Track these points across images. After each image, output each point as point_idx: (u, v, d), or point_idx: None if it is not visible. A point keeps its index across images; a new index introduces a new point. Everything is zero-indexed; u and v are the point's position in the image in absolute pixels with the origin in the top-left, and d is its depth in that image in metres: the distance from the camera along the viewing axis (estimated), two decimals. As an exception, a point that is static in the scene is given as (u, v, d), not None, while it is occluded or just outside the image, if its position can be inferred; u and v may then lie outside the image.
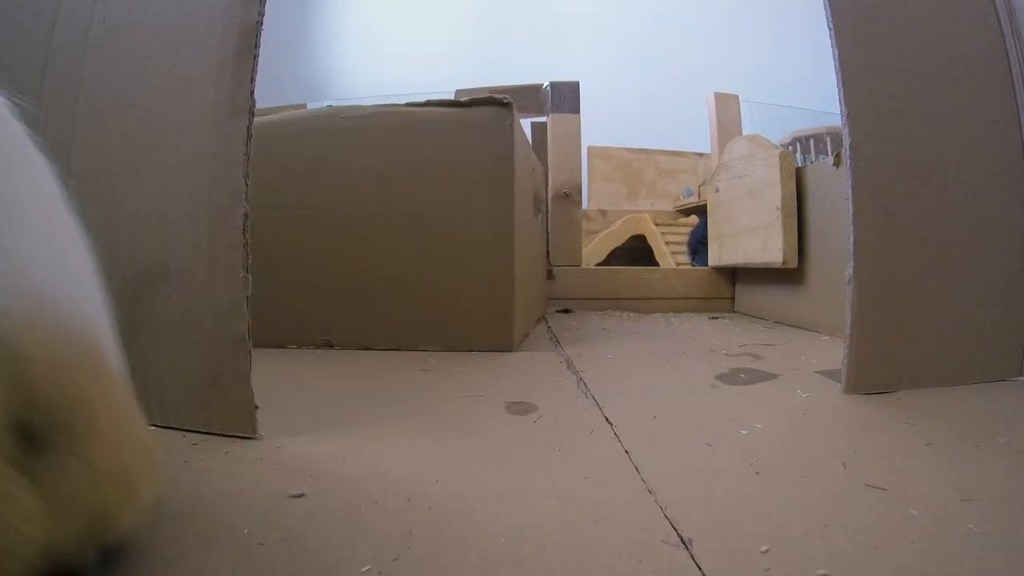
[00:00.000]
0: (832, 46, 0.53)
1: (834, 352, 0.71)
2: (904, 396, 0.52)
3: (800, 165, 1.11)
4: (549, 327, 1.04)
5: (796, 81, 2.61)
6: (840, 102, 0.53)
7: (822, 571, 0.25)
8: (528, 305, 0.96)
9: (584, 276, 1.36)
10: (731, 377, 0.63)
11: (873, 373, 0.53)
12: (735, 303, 1.34)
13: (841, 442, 0.41)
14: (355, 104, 0.86)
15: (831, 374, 0.62)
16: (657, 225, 1.90)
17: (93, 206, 0.49)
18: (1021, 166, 0.58)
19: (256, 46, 0.47)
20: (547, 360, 0.74)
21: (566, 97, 1.38)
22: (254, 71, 0.47)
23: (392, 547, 0.28)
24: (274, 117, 0.86)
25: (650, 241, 1.89)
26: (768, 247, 1.05)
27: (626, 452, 0.40)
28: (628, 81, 2.85)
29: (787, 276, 1.05)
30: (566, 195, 1.36)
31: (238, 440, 0.42)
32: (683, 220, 1.98)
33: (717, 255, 1.31)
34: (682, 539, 0.28)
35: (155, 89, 0.48)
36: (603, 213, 2.00)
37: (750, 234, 1.14)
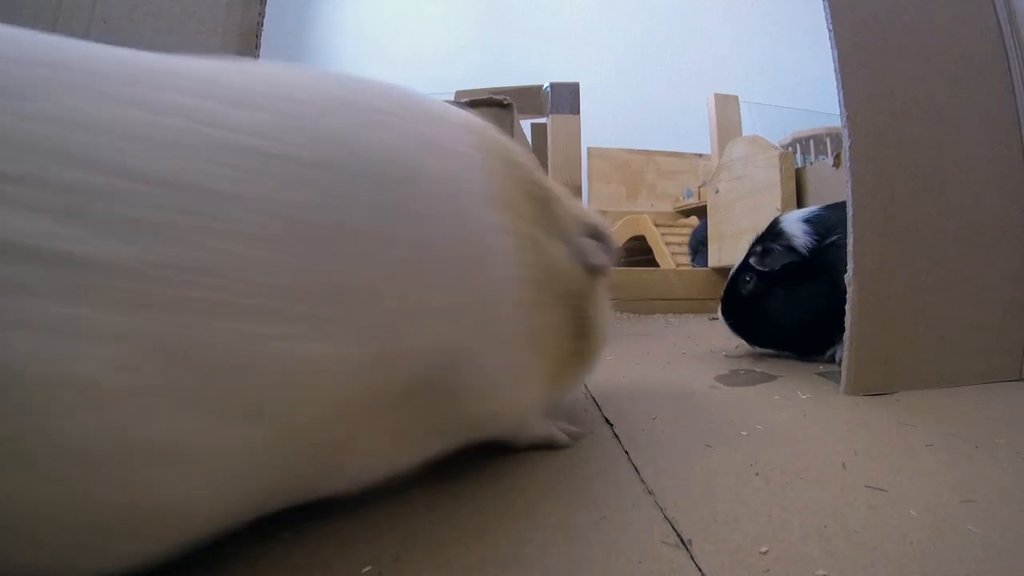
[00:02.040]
0: (832, 47, 0.53)
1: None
2: (904, 397, 0.52)
3: (800, 166, 1.12)
4: (549, 328, 1.04)
5: (796, 82, 2.61)
6: (840, 103, 0.53)
7: (821, 572, 0.25)
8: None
9: (584, 277, 1.36)
10: (731, 378, 0.63)
11: (873, 374, 0.53)
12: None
13: (841, 443, 0.41)
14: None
15: (831, 375, 0.62)
16: (657, 226, 1.90)
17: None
18: (1021, 166, 0.58)
19: (256, 47, 0.47)
20: (547, 361, 0.74)
21: (566, 98, 1.38)
22: (254, 72, 0.47)
23: (392, 547, 0.28)
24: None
25: (650, 242, 1.89)
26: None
27: (626, 452, 0.40)
28: (628, 82, 2.85)
29: (787, 277, 1.05)
30: (566, 196, 1.36)
31: (238, 440, 0.42)
32: (683, 221, 1.98)
33: (717, 256, 1.31)
34: (682, 540, 0.28)
35: (155, 90, 0.48)
36: (603, 214, 2.00)
37: (750, 235, 1.14)
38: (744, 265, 0.73)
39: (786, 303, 0.69)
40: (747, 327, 0.74)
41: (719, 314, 0.77)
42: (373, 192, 0.22)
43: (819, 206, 0.73)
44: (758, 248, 0.71)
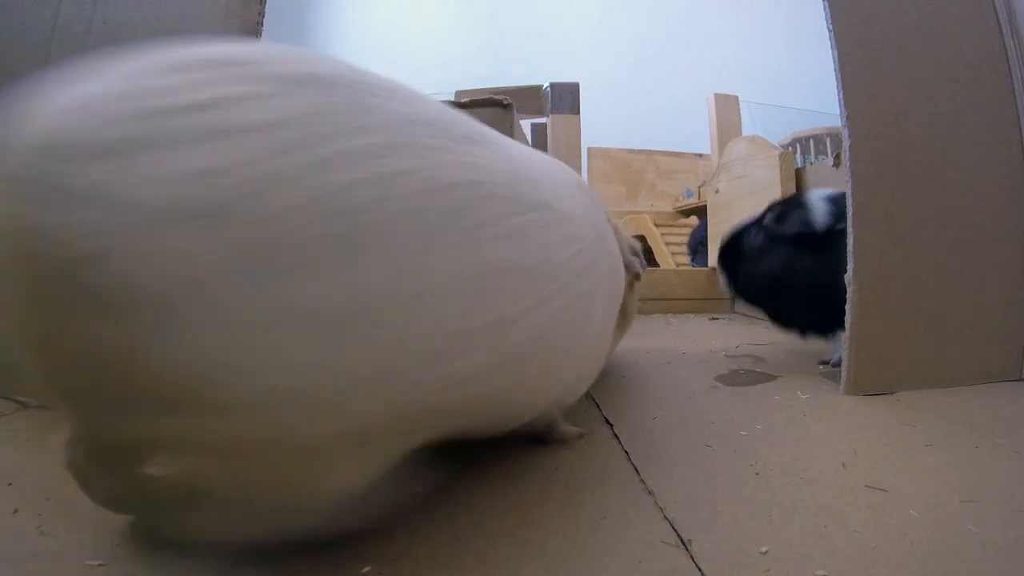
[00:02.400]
0: (831, 47, 0.53)
1: (833, 353, 0.71)
2: (904, 397, 0.52)
3: (800, 166, 1.11)
4: (549, 328, 1.04)
5: (796, 82, 2.61)
6: (840, 103, 0.53)
7: (821, 572, 0.25)
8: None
9: (584, 277, 1.35)
10: (731, 378, 0.63)
11: (873, 374, 0.53)
12: (735, 304, 1.34)
13: (841, 443, 0.41)
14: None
15: (831, 375, 0.62)
16: (657, 226, 1.89)
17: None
18: (1021, 166, 0.58)
19: (256, 47, 0.47)
20: (547, 361, 0.74)
21: (566, 98, 1.38)
22: (254, 72, 0.47)
23: (392, 547, 0.28)
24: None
25: (650, 242, 1.89)
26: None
27: (626, 452, 0.40)
28: (628, 82, 2.85)
29: (787, 277, 1.05)
30: (566, 196, 1.35)
31: (238, 440, 0.42)
32: (683, 221, 1.97)
33: (717, 256, 1.31)
34: (682, 539, 0.28)
35: (155, 90, 0.48)
36: (602, 214, 1.99)
37: (750, 235, 1.14)
38: (755, 222, 0.74)
39: (785, 268, 0.69)
40: (739, 279, 0.75)
41: (716, 264, 0.79)
42: (591, 198, 0.42)
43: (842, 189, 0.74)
44: (777, 209, 0.71)
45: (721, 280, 0.78)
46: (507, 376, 0.28)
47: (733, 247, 0.76)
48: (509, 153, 0.31)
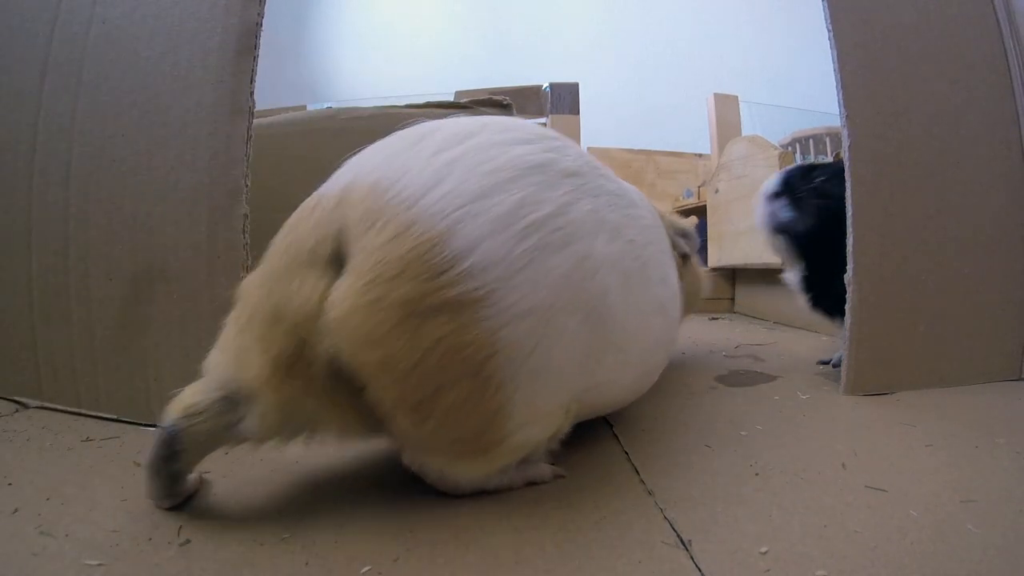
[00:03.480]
0: (831, 47, 0.53)
1: (834, 353, 0.71)
2: (904, 397, 0.52)
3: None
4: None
5: (796, 82, 2.61)
6: (839, 103, 0.53)
7: (821, 572, 0.25)
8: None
9: (584, 277, 1.35)
10: (731, 378, 0.63)
11: (873, 374, 0.53)
12: (735, 304, 1.34)
13: (841, 443, 0.41)
14: (355, 106, 0.86)
15: (831, 375, 0.62)
16: (657, 226, 1.89)
17: (93, 206, 0.49)
18: (1021, 166, 0.58)
19: (256, 46, 0.47)
20: (547, 361, 0.74)
21: (565, 98, 1.37)
22: (254, 71, 0.47)
23: (392, 547, 0.28)
24: (274, 118, 0.86)
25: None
26: (768, 248, 1.05)
27: (626, 453, 0.40)
28: (628, 82, 2.85)
29: (787, 277, 1.05)
30: (566, 196, 1.35)
31: (238, 440, 0.42)
32: (683, 221, 1.97)
33: (717, 256, 1.31)
34: (681, 540, 0.28)
35: (155, 89, 0.48)
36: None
37: (750, 235, 1.14)
38: (830, 167, 0.66)
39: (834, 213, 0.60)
40: (804, 208, 0.65)
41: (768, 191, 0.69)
42: (649, 211, 0.45)
43: None
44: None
45: (777, 208, 0.67)
46: (652, 376, 0.44)
47: (801, 177, 0.67)
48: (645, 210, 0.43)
